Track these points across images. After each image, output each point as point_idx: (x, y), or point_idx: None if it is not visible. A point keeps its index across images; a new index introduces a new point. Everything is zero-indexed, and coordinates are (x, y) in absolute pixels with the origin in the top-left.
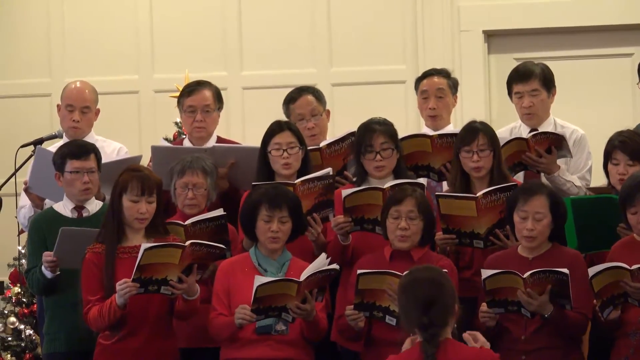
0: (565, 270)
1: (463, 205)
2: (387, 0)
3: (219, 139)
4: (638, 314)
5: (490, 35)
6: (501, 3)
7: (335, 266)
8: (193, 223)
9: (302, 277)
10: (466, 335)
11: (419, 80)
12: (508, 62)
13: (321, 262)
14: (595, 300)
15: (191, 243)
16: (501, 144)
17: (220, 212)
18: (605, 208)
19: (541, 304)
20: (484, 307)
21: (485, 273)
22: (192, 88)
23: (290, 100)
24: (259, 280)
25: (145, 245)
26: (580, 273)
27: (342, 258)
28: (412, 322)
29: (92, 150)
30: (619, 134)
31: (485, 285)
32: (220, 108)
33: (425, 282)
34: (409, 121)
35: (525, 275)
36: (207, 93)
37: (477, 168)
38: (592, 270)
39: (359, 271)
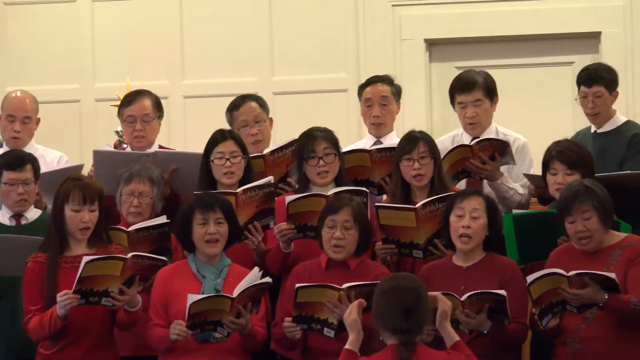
0: (503, 292)
1: (402, 216)
2: (329, 10)
3: (161, 148)
4: (576, 322)
5: (432, 44)
6: (442, 12)
7: (268, 279)
8: (136, 230)
9: (235, 292)
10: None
11: (362, 88)
12: (449, 71)
13: (254, 276)
14: (534, 309)
15: (133, 255)
16: (444, 151)
17: (163, 219)
18: (545, 222)
19: (479, 322)
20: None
21: None
22: (131, 98)
23: (233, 108)
24: (192, 298)
25: (86, 258)
26: (515, 282)
27: (283, 266)
28: (389, 326)
29: (28, 161)
30: (557, 143)
31: None
32: (160, 117)
33: (409, 291)
34: (350, 129)
35: (463, 297)
36: (147, 102)
37: (418, 176)
38: (530, 278)
39: (297, 285)
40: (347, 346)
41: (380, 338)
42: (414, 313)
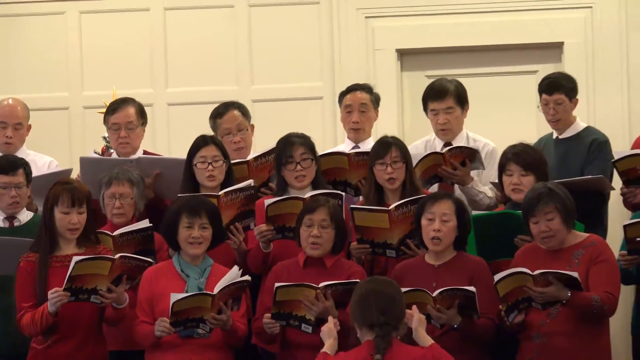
0: (472, 288)
1: (376, 217)
2: (305, 20)
3: (145, 153)
4: (540, 317)
5: (403, 54)
6: (413, 24)
7: (247, 277)
8: (121, 234)
9: (216, 289)
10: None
11: (342, 95)
12: (420, 79)
13: (234, 274)
14: (500, 305)
15: (120, 256)
16: (417, 156)
17: (146, 223)
18: (503, 222)
19: (450, 317)
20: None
21: None
22: (116, 106)
23: (217, 115)
24: (175, 296)
25: (76, 257)
26: (484, 279)
27: (263, 265)
28: (367, 322)
29: (20, 165)
30: (512, 147)
31: None
32: (144, 123)
33: (386, 295)
34: (326, 135)
35: (435, 293)
36: (130, 110)
37: (391, 180)
38: (497, 276)
39: (276, 284)
40: (323, 350)
41: (358, 336)
42: (390, 310)
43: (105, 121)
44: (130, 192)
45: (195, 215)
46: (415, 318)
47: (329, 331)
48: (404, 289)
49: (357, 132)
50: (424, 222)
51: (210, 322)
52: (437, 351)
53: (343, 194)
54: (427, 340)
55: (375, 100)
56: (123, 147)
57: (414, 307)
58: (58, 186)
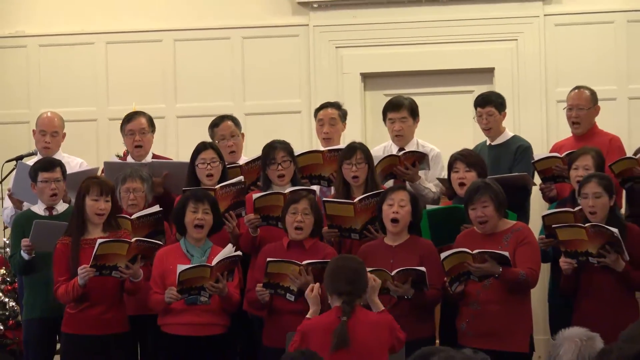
0: (423, 268)
1: (344, 208)
2: (287, 50)
3: (154, 156)
4: (476, 288)
5: (366, 77)
6: (374, 52)
7: (238, 253)
8: (138, 217)
9: (213, 262)
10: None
11: (317, 111)
12: (379, 97)
13: (228, 250)
14: (445, 278)
15: (136, 240)
16: (377, 158)
17: (157, 208)
18: (452, 215)
19: (405, 291)
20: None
21: None
22: (131, 117)
23: (214, 125)
24: (180, 267)
25: (100, 240)
26: (433, 257)
27: (252, 246)
28: (337, 290)
29: (58, 165)
30: (458, 151)
31: None
32: (153, 131)
33: (353, 268)
34: (303, 141)
35: (393, 273)
36: (142, 119)
37: (355, 177)
38: (443, 255)
39: (268, 259)
40: (307, 316)
41: (329, 302)
42: (355, 282)
43: (122, 129)
44: (141, 187)
45: (199, 202)
46: (369, 285)
47: (314, 299)
48: (368, 268)
49: (327, 141)
50: (385, 207)
51: (209, 289)
52: (389, 316)
53: (316, 189)
54: (379, 306)
55: (343, 115)
56: (137, 150)
57: (370, 275)
58: (89, 180)
